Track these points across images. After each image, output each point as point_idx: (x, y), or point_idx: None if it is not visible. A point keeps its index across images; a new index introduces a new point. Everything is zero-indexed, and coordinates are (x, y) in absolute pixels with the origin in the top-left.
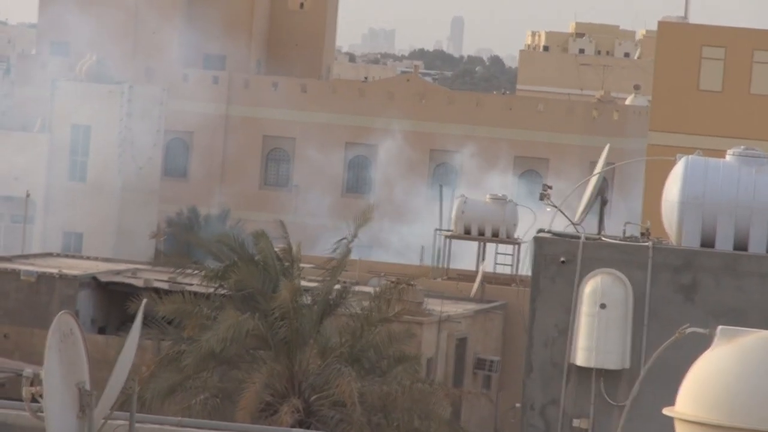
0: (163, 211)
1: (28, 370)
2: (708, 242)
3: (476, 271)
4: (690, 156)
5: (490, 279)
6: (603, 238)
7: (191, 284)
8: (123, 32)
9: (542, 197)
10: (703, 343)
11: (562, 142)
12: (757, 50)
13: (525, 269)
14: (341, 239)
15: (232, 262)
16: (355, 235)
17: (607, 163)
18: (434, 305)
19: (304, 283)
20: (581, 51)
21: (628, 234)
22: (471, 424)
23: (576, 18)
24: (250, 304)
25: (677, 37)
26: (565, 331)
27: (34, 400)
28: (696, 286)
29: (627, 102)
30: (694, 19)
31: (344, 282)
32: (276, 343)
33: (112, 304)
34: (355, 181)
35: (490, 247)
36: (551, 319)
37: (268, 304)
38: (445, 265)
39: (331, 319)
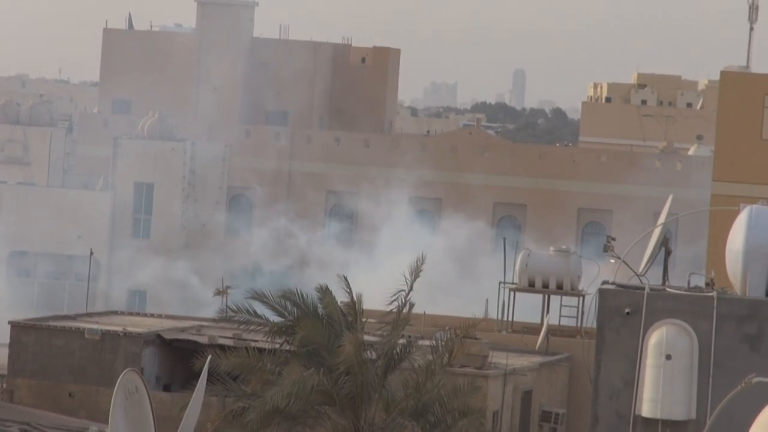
0: (227, 267)
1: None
2: None
3: (541, 324)
4: (754, 205)
5: (555, 331)
6: (667, 289)
7: (256, 340)
8: (184, 89)
9: (606, 249)
10: None
11: (625, 194)
12: None
13: (590, 321)
14: (399, 291)
15: (297, 318)
16: (411, 288)
17: (671, 214)
18: (499, 358)
19: (368, 337)
20: (643, 102)
21: (692, 284)
22: None
23: (638, 69)
24: (315, 360)
25: (740, 87)
26: (630, 383)
27: None
28: (761, 336)
29: (690, 152)
30: (756, 68)
31: (409, 336)
32: (341, 398)
33: (177, 361)
34: (421, 234)
35: (555, 299)
36: (617, 370)
37: (332, 359)
38: (510, 318)
39: (396, 374)
